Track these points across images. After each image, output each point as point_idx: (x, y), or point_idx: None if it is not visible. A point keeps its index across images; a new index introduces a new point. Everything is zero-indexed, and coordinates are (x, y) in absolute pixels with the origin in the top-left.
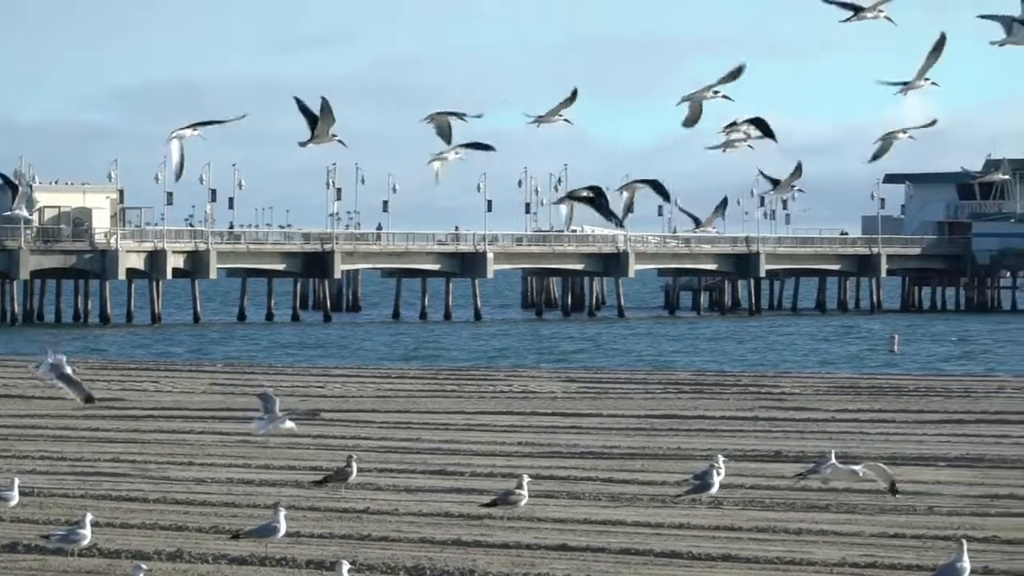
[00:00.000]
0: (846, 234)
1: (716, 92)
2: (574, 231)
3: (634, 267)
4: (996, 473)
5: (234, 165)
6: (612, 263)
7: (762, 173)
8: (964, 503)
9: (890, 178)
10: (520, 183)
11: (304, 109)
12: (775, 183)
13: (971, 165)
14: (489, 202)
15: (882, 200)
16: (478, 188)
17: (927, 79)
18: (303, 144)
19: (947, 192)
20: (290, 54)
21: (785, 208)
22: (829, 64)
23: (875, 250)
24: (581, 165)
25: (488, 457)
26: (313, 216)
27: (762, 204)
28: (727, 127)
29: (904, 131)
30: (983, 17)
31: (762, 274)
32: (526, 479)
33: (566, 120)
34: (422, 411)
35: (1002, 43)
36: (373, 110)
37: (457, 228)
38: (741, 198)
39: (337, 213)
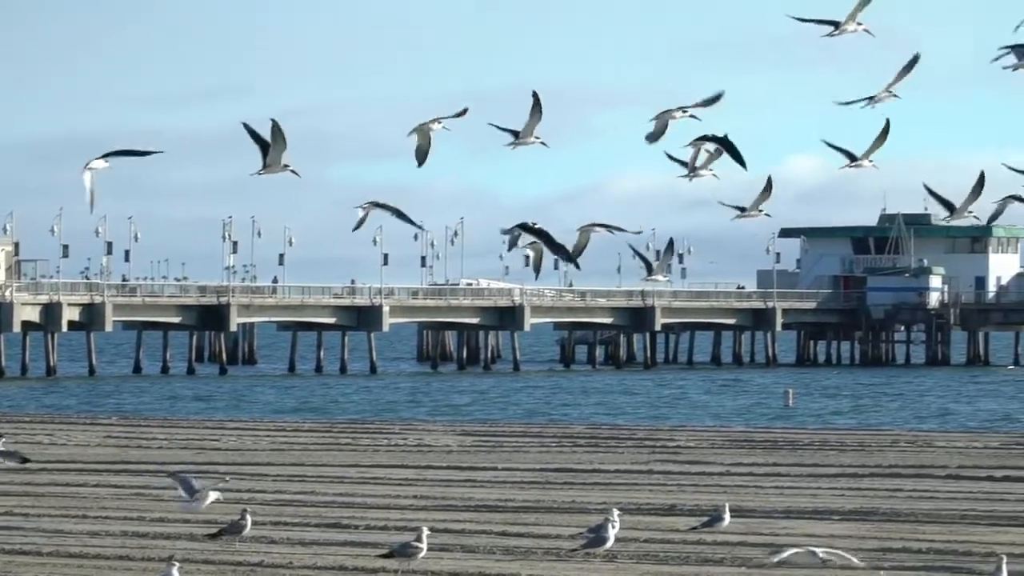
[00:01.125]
0: (743, 288)
1: (684, 111)
2: (469, 284)
3: (529, 320)
4: (889, 527)
5: (130, 218)
6: (507, 316)
7: (721, 203)
8: (858, 557)
9: (785, 232)
10: (416, 237)
11: (254, 135)
12: (741, 209)
13: (866, 220)
14: (385, 255)
15: (777, 254)
16: (374, 242)
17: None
18: (257, 174)
19: (842, 246)
20: (186, 106)
21: (681, 262)
22: (726, 120)
23: (770, 304)
24: (477, 219)
25: (383, 510)
26: (209, 269)
27: (658, 257)
28: (694, 141)
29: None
30: (1005, 48)
31: (657, 328)
32: (425, 531)
33: (542, 143)
34: (317, 464)
35: (1015, 67)
36: None
37: (353, 281)
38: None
39: (233, 266)
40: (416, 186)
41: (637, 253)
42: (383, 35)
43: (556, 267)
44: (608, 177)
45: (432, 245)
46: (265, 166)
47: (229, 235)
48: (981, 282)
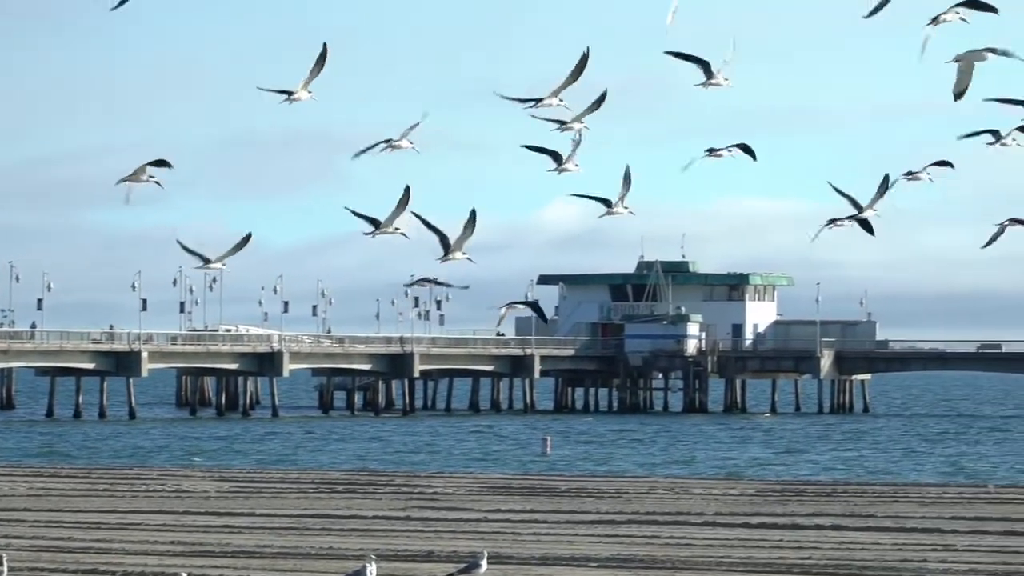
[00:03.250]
0: (502, 335)
1: (583, 124)
2: (228, 330)
3: (288, 366)
4: (647, 574)
5: None
6: (266, 362)
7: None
8: None
9: (544, 279)
10: (175, 282)
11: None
12: (607, 203)
13: (624, 267)
14: (144, 301)
15: (536, 301)
16: (133, 287)
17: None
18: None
19: (600, 294)
20: None
21: (439, 308)
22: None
23: (528, 351)
24: (237, 264)
25: (140, 556)
26: None
27: (416, 305)
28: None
29: (389, 143)
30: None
31: (416, 374)
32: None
33: (469, 259)
34: (74, 510)
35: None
36: (27, 207)
37: (112, 327)
38: (395, 298)
39: None
40: (177, 231)
41: (516, 303)
42: (144, 81)
43: (314, 313)
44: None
45: (191, 291)
46: (378, 228)
47: None
48: (738, 330)
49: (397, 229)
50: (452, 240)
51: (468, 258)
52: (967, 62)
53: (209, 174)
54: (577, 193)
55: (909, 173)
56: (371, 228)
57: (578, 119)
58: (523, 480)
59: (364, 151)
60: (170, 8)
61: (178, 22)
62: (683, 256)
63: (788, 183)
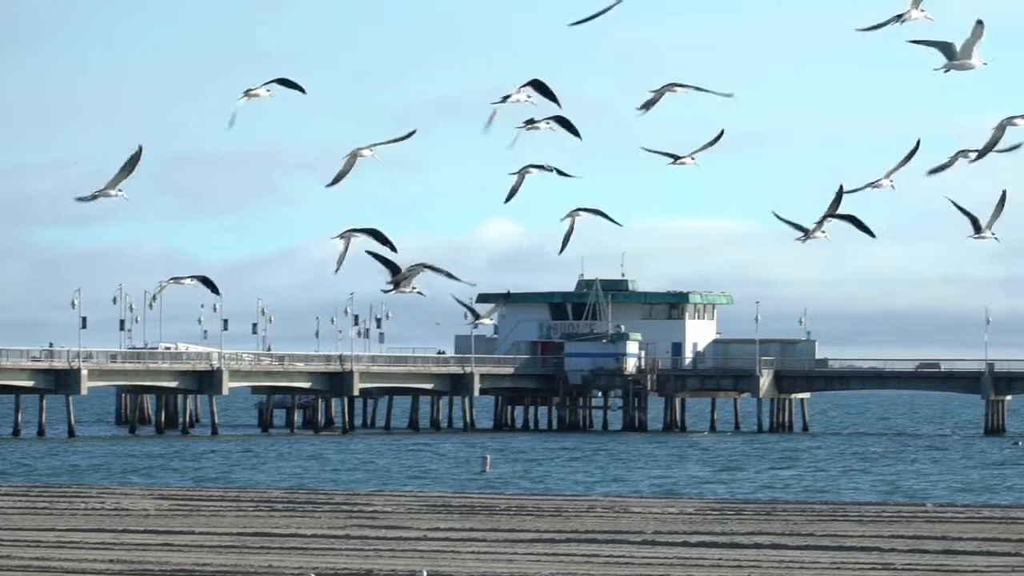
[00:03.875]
0: (443, 353)
1: (545, 168)
2: (168, 348)
3: (228, 384)
4: None
5: None
6: (206, 380)
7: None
8: None
9: (483, 297)
10: (115, 300)
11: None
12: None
13: (564, 285)
14: (83, 319)
15: None
16: (72, 304)
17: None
18: (384, 291)
19: (540, 312)
20: None
21: (379, 327)
22: (426, 182)
23: (468, 369)
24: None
25: (79, 575)
26: None
27: (356, 323)
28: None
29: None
30: (916, 42)
31: (356, 392)
32: None
33: (419, 293)
34: (13, 528)
35: (946, 68)
36: None
37: (51, 344)
38: (335, 316)
39: None
40: (116, 249)
41: (460, 301)
42: (83, 100)
43: (254, 331)
44: (306, 241)
45: (131, 309)
46: (395, 286)
47: None
48: (678, 348)
49: (415, 288)
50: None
51: (419, 292)
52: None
53: (148, 193)
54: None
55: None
56: (390, 287)
57: (691, 155)
58: (463, 498)
59: (341, 176)
60: (112, 27)
61: (120, 40)
62: (623, 275)
63: (727, 202)
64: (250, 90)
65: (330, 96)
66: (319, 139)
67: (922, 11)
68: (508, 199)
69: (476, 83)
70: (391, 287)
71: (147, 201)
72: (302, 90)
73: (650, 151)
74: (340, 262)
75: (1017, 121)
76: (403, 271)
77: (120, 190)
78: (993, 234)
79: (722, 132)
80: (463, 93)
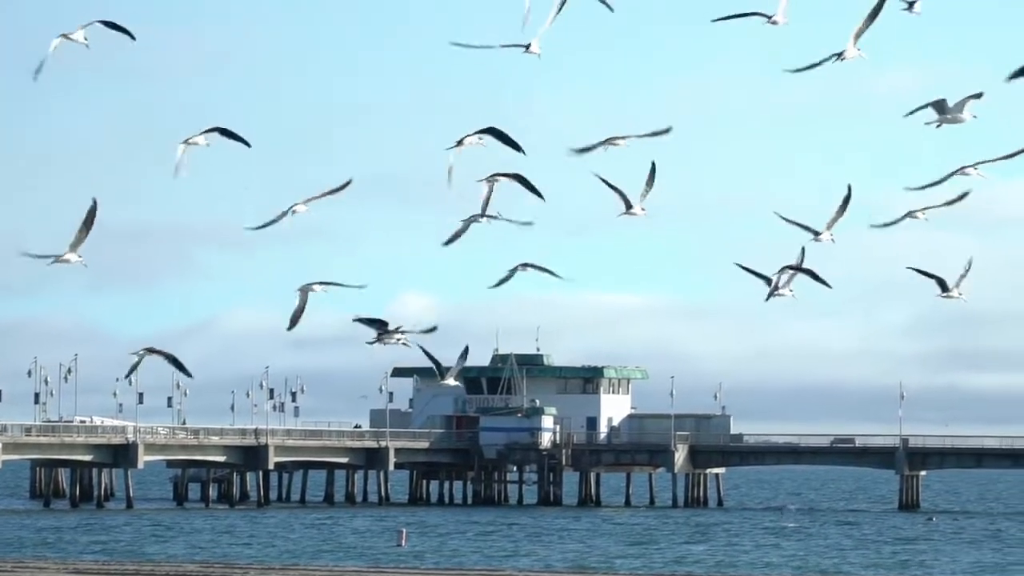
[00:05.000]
0: (359, 427)
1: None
2: (83, 421)
3: (143, 458)
4: None
5: None
6: (121, 454)
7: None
8: None
9: (398, 372)
10: (30, 373)
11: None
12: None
13: (478, 360)
14: None
15: (391, 393)
16: None
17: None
18: (369, 343)
19: (455, 387)
20: None
21: (294, 400)
22: (339, 256)
23: (383, 443)
24: (91, 354)
25: None
26: None
27: (271, 397)
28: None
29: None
30: (913, 112)
31: (271, 466)
32: None
33: (404, 343)
34: None
35: (938, 123)
36: None
37: None
38: (250, 390)
39: None
40: (30, 322)
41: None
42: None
43: (169, 405)
44: (218, 315)
45: (46, 382)
46: (379, 339)
47: None
48: (593, 423)
49: (400, 340)
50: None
51: (404, 343)
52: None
53: (64, 267)
54: (602, 178)
55: (815, 233)
56: (374, 338)
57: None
58: (377, 573)
59: (270, 223)
60: (19, 98)
61: (30, 112)
62: (538, 349)
63: (642, 276)
64: (189, 138)
65: (237, 169)
66: (231, 211)
67: (858, 49)
68: (449, 242)
69: (386, 159)
70: (375, 340)
71: (59, 274)
72: (246, 143)
73: (604, 183)
74: (296, 319)
75: (968, 171)
76: (389, 328)
77: (80, 255)
78: (960, 294)
79: (653, 165)
80: (378, 168)
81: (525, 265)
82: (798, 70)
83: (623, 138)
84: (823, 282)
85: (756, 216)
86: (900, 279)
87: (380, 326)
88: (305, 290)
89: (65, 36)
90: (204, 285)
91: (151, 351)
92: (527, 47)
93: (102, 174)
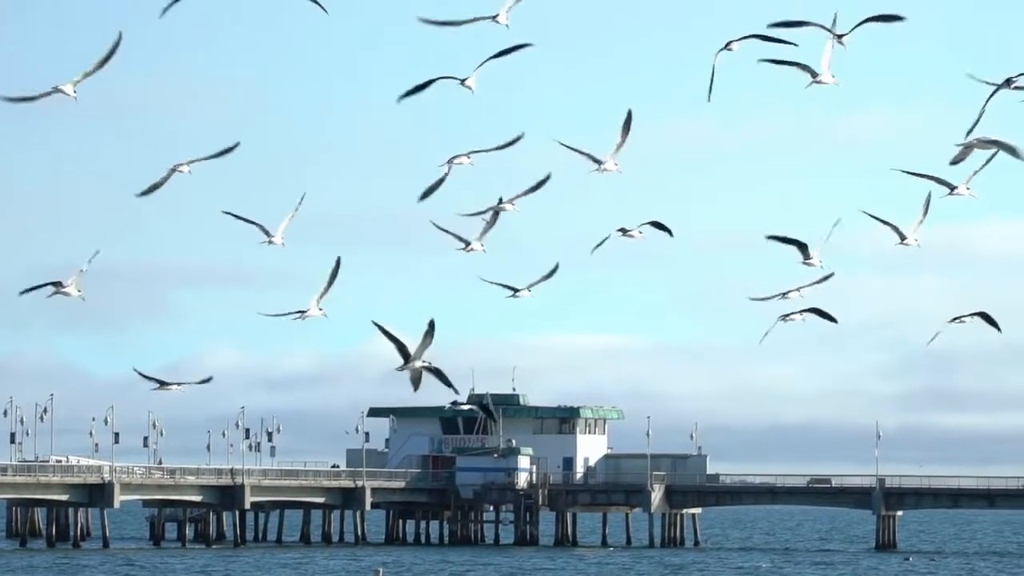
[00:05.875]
0: (337, 466)
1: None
2: (59, 461)
3: (120, 498)
4: None
5: None
6: (97, 493)
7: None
8: None
9: (374, 411)
10: (5, 413)
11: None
12: (406, 356)
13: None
14: None
15: (367, 433)
16: None
17: None
18: (398, 369)
19: (431, 426)
20: None
21: (270, 440)
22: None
23: (359, 483)
24: (67, 395)
25: None
26: None
27: (247, 436)
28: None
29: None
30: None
31: (247, 506)
32: None
33: (427, 367)
34: None
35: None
36: None
37: None
38: (226, 430)
39: None
40: (3, 361)
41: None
42: None
43: (145, 444)
44: (196, 355)
45: (22, 421)
46: (405, 364)
47: None
48: (569, 463)
49: (424, 363)
50: (412, 349)
51: (426, 365)
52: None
53: (37, 307)
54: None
55: (785, 316)
56: (401, 363)
57: (529, 288)
58: None
59: (285, 314)
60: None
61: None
62: (514, 389)
63: (617, 317)
64: (177, 165)
65: (212, 211)
66: (206, 253)
67: (833, 77)
68: (424, 196)
69: (360, 197)
70: (402, 367)
71: (36, 316)
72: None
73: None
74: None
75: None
76: (412, 356)
77: (80, 290)
78: (820, 263)
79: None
80: (351, 208)
81: (503, 201)
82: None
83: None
84: (830, 318)
85: (733, 256)
86: (877, 319)
87: (400, 347)
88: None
89: (176, 168)
90: (178, 325)
91: (430, 370)
92: (494, 17)
93: (74, 213)
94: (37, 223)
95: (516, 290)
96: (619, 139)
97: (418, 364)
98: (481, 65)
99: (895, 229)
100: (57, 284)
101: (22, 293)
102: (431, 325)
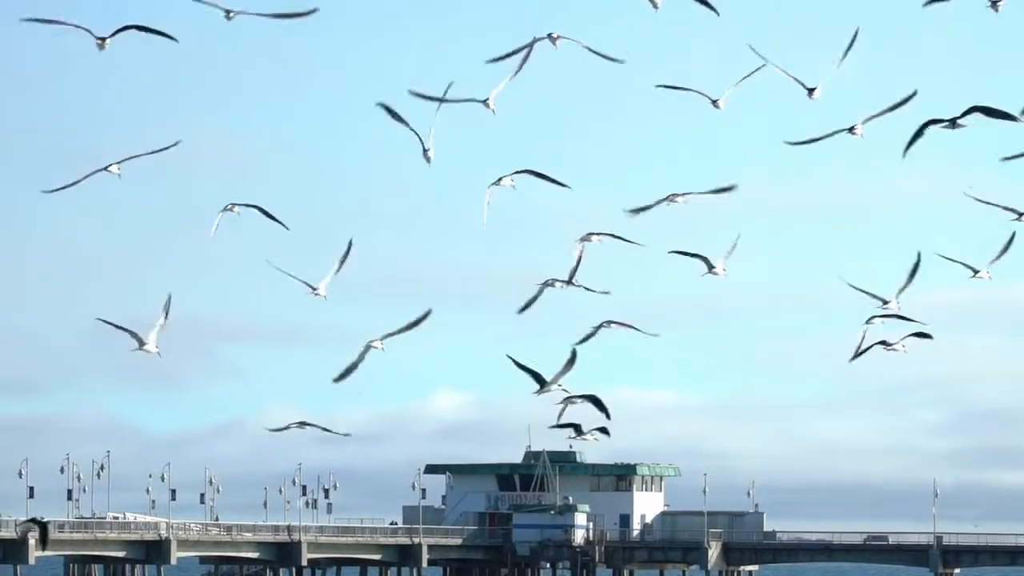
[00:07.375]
0: (395, 523)
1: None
2: (116, 518)
3: (176, 554)
4: None
5: None
6: (154, 550)
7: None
8: None
9: (431, 468)
10: (63, 469)
11: (523, 367)
12: (542, 382)
13: (511, 457)
14: (31, 488)
15: (423, 490)
16: (20, 474)
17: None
18: (536, 393)
19: (487, 483)
20: None
21: (327, 497)
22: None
23: (416, 540)
24: (124, 452)
25: None
26: None
27: (304, 493)
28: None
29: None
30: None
31: (304, 563)
32: None
33: (564, 390)
34: None
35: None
36: None
37: None
38: (282, 486)
39: None
40: (59, 418)
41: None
42: (22, 269)
43: (202, 501)
44: (250, 412)
45: (79, 478)
46: (542, 387)
47: None
48: (626, 520)
49: (560, 386)
50: (549, 377)
51: (564, 389)
52: None
53: (92, 364)
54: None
55: (884, 342)
56: (537, 386)
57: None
58: None
59: (350, 368)
60: (39, 202)
61: (55, 214)
62: (570, 446)
63: (674, 374)
64: (233, 205)
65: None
66: (256, 309)
67: (862, 126)
68: (523, 309)
69: (404, 258)
70: (540, 391)
71: (90, 373)
72: (283, 225)
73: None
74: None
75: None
76: (548, 381)
77: (158, 347)
78: (724, 270)
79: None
80: (403, 266)
81: (609, 322)
82: (801, 143)
83: (683, 194)
84: (929, 336)
85: (789, 312)
86: (931, 376)
87: (535, 376)
88: (367, 346)
89: (226, 208)
90: (233, 382)
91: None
92: (485, 101)
93: (126, 270)
94: (90, 281)
95: (544, 383)
96: (722, 262)
97: (554, 388)
98: (507, 80)
99: (967, 266)
100: (137, 337)
101: (100, 320)
102: (573, 354)
